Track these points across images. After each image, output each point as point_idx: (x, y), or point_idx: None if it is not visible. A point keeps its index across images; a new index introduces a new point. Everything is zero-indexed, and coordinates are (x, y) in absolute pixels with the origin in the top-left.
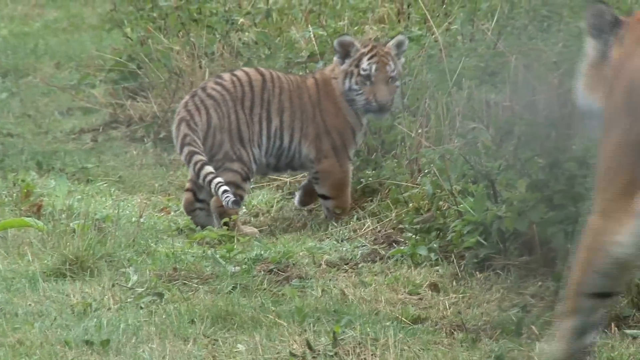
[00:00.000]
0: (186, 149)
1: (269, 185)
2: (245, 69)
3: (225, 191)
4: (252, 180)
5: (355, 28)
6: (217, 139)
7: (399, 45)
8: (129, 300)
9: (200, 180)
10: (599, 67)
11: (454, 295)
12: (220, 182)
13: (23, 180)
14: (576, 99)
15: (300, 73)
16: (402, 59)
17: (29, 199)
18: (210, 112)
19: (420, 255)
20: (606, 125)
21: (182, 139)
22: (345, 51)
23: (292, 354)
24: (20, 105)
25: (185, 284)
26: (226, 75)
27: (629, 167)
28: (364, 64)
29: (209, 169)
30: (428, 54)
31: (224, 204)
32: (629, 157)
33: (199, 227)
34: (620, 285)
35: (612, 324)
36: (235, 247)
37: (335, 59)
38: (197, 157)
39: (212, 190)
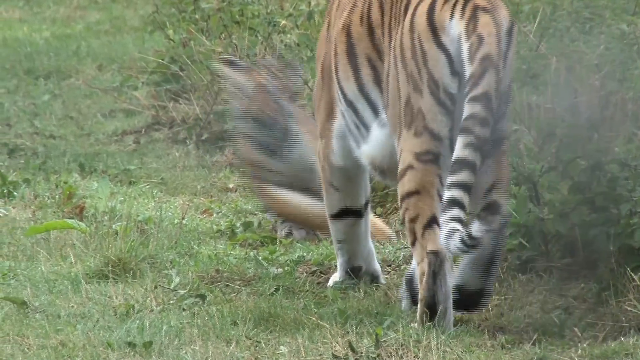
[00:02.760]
0: None
1: None
2: None
3: None
4: None
5: None
6: None
7: None
8: (171, 302)
9: None
10: None
11: (497, 297)
12: None
13: (65, 182)
14: None
15: None
16: None
17: (71, 201)
18: None
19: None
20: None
21: None
22: None
23: (335, 356)
24: (63, 107)
25: (227, 285)
26: None
27: (326, 106)
28: None
29: None
30: None
31: None
32: (325, 102)
33: (240, 229)
34: (357, 198)
35: None
36: (277, 249)
37: None
38: None
39: None
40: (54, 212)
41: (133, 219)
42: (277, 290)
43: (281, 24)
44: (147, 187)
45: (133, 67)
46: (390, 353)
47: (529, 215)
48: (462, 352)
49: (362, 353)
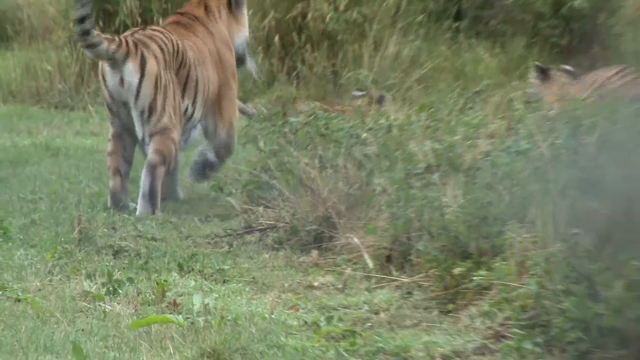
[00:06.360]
0: None
1: (389, 284)
2: None
3: None
4: None
5: (469, 142)
6: None
7: None
8: None
9: None
10: None
11: None
12: None
13: (165, 281)
14: None
15: None
16: None
17: (165, 297)
18: None
19: (526, 349)
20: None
21: None
22: None
23: None
24: (163, 212)
25: None
26: None
27: None
28: None
29: None
30: (534, 166)
31: None
32: None
33: (324, 323)
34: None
35: None
36: (357, 341)
37: None
38: None
39: None
40: (155, 308)
41: (226, 313)
42: None
43: (362, 137)
44: (240, 285)
45: (227, 175)
46: None
47: (588, 311)
48: None
49: None
